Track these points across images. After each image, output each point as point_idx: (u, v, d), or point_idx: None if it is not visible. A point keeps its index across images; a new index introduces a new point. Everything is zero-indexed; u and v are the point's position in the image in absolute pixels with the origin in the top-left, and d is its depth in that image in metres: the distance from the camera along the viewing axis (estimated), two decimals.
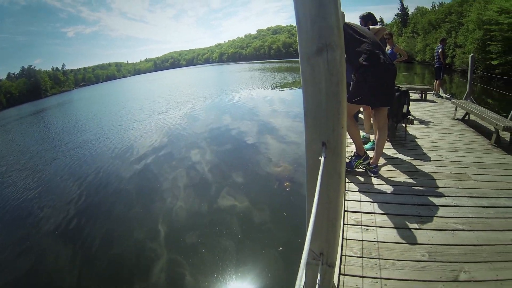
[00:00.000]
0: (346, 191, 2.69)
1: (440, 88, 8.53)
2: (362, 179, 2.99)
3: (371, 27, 3.42)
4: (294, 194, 4.51)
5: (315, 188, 0.75)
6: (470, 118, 5.24)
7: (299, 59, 0.72)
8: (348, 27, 2.83)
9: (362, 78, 2.74)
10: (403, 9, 50.97)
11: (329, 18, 0.64)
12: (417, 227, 2.14)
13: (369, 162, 3.09)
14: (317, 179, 0.73)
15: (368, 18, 3.75)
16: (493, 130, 4.11)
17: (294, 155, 6.27)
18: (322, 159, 0.71)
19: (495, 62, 14.85)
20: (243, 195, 4.72)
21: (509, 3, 14.12)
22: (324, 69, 0.68)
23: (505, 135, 4.04)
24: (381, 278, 1.70)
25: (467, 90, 6.36)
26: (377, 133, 3.15)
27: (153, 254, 3.61)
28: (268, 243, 3.48)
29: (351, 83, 4.07)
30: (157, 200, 5.05)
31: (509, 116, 4.47)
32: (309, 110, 0.73)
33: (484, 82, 12.95)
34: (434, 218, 2.27)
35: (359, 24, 3.29)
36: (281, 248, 3.34)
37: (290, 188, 4.65)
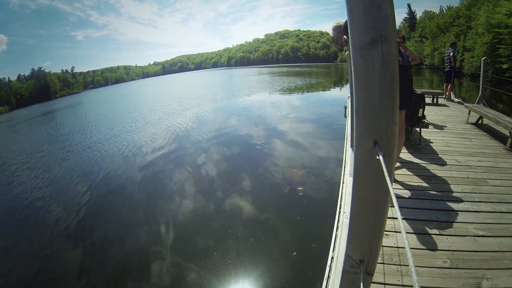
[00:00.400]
0: None
1: (451, 92, 8.45)
2: None
3: None
4: (306, 198, 4.47)
5: (362, 190, 0.74)
6: (484, 122, 5.17)
7: (349, 51, 0.70)
8: None
9: None
10: (411, 13, 50.85)
11: (384, 8, 0.61)
12: (437, 233, 2.11)
13: None
14: (365, 180, 0.72)
15: None
16: (508, 134, 4.06)
17: (305, 159, 6.25)
18: (373, 158, 0.69)
19: (504, 66, 14.68)
20: (254, 199, 4.69)
21: None
22: (379, 62, 0.64)
23: None
24: (403, 286, 1.67)
25: (480, 94, 6.27)
26: None
27: (161, 256, 3.59)
28: (281, 247, 3.45)
29: None
30: (167, 202, 5.04)
31: None
32: (360, 106, 0.69)
33: (493, 85, 12.78)
34: (454, 223, 2.24)
35: None
36: (295, 253, 3.30)
37: (303, 192, 4.60)
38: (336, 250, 1.92)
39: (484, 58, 6.63)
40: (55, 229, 4.65)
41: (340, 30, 3.15)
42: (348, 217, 2.21)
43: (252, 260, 3.30)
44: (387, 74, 0.66)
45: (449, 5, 35.58)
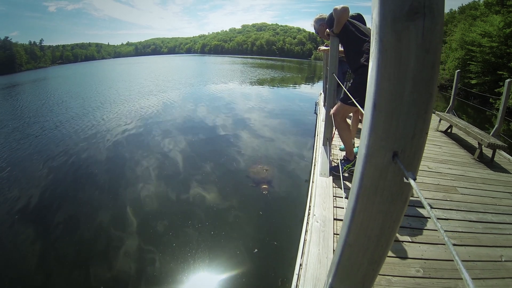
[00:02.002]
0: (334, 197, 2.54)
1: None
2: (350, 184, 2.85)
3: (368, 26, 3.29)
4: (271, 193, 4.34)
5: (367, 217, 0.54)
6: (453, 131, 5.29)
7: (374, 25, 0.47)
8: (350, 24, 2.67)
9: (361, 79, 2.59)
10: None
11: None
12: (410, 240, 2.02)
13: None
14: (372, 204, 0.52)
15: (357, 19, 3.60)
16: (476, 145, 4.14)
17: (271, 152, 6.13)
18: (388, 176, 0.50)
19: (473, 81, 15.43)
20: (217, 190, 4.52)
21: (492, 27, 14.69)
22: (417, 42, 0.45)
23: (487, 151, 4.08)
24: None
25: (450, 104, 6.44)
26: None
27: (121, 243, 3.40)
28: (243, 243, 3.31)
29: (347, 83, 3.96)
30: (130, 187, 4.76)
31: (492, 132, 4.50)
32: (382, 101, 0.49)
33: (461, 98, 13.43)
34: (426, 231, 2.17)
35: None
36: (256, 250, 3.17)
37: (268, 188, 4.44)
38: (305, 256, 1.76)
39: (458, 70, 6.81)
40: (10, 212, 4.24)
41: (323, 22, 3.00)
42: (318, 221, 2.07)
43: (212, 254, 3.15)
44: (427, 59, 0.45)
45: None
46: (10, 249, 3.47)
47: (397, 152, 0.49)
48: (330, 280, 0.67)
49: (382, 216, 0.54)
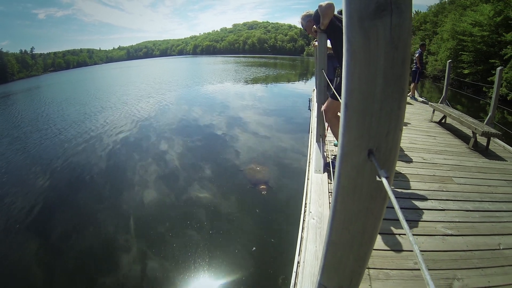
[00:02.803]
0: (330, 193, 2.54)
1: (415, 91, 8.74)
2: None
3: None
4: (268, 192, 4.34)
5: (347, 215, 0.53)
6: (447, 121, 5.30)
7: (343, 23, 0.47)
8: (337, 19, 2.66)
9: None
10: None
11: None
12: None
13: None
14: (352, 203, 0.52)
15: None
16: (471, 134, 4.16)
17: (267, 151, 6.12)
18: (364, 175, 0.49)
19: (466, 71, 15.46)
20: (214, 190, 4.54)
21: (483, 17, 14.72)
22: (385, 40, 0.44)
23: (482, 140, 4.09)
24: None
25: (443, 94, 6.47)
26: None
27: (122, 246, 3.43)
28: (241, 241, 3.33)
29: (337, 78, 3.95)
30: (128, 192, 4.76)
31: (485, 121, 4.53)
32: (353, 101, 0.48)
33: (454, 88, 13.47)
34: (422, 222, 2.17)
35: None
36: (254, 248, 3.18)
37: (265, 186, 4.44)
38: (302, 254, 1.75)
39: (449, 61, 6.84)
40: (11, 222, 4.24)
41: (310, 19, 3.00)
42: (314, 217, 2.07)
43: (211, 253, 3.18)
44: (396, 57, 0.45)
45: (417, 10, 37.00)
46: (13, 256, 3.48)
47: (372, 150, 0.48)
48: (319, 277, 0.67)
49: (363, 214, 0.54)
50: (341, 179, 0.52)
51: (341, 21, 2.62)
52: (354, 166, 0.50)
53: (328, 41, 2.98)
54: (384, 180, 0.44)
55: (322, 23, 2.61)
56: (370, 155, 0.48)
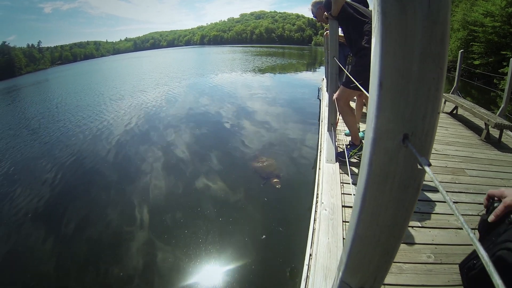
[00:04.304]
0: (342, 184, 2.50)
1: None
2: (357, 170, 2.81)
3: (370, 8, 3.19)
4: (277, 180, 4.30)
5: (376, 207, 0.49)
6: (458, 112, 5.20)
7: None
8: (349, 6, 2.59)
9: (362, 62, 2.52)
10: None
11: None
12: (420, 225, 1.98)
13: None
14: (383, 193, 0.48)
15: (359, 0, 3.50)
16: (483, 125, 4.07)
17: (277, 141, 6.06)
18: (398, 160, 0.46)
19: (476, 62, 15.12)
20: (223, 179, 4.53)
21: (494, 7, 14.32)
22: (423, 12, 0.39)
23: (494, 132, 4.00)
24: (386, 284, 1.52)
25: (455, 84, 6.32)
26: None
27: (133, 234, 3.45)
28: (250, 229, 3.35)
29: (348, 66, 3.88)
30: (138, 182, 4.78)
31: (498, 112, 4.42)
32: (388, 80, 0.43)
33: (465, 79, 13.22)
34: (436, 215, 2.12)
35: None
36: (264, 236, 3.19)
37: (275, 180, 4.36)
38: (314, 246, 1.72)
39: (461, 51, 6.67)
40: (20, 211, 4.32)
41: (321, 5, 2.92)
42: (326, 209, 2.04)
43: (221, 241, 3.19)
44: (436, 31, 0.40)
45: None
46: (24, 249, 3.52)
47: (408, 134, 0.44)
48: (340, 274, 0.63)
49: (394, 205, 0.50)
50: (372, 167, 0.47)
51: (352, 7, 2.57)
52: (387, 152, 0.46)
53: (339, 29, 2.91)
54: (428, 169, 0.40)
55: (334, 10, 2.54)
56: (405, 140, 0.44)
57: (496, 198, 0.94)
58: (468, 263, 1.05)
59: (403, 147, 0.44)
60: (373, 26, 0.44)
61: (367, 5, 3.37)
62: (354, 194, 1.73)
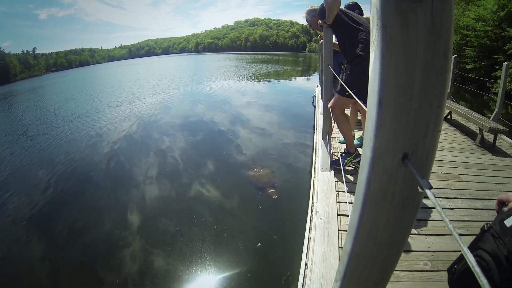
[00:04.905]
0: (337, 192, 2.49)
1: None
2: (352, 178, 2.80)
3: (365, 16, 3.22)
4: (274, 192, 4.26)
5: (374, 226, 0.48)
6: (452, 117, 5.24)
7: (375, 9, 0.40)
8: (343, 14, 2.60)
9: (357, 70, 2.53)
10: None
11: None
12: (416, 232, 1.97)
13: (359, 160, 2.91)
14: (381, 212, 0.47)
15: (354, 8, 3.52)
16: (477, 130, 4.10)
17: (272, 150, 6.04)
18: (397, 180, 0.44)
19: (469, 66, 15.29)
20: (218, 186, 4.52)
21: (486, 11, 14.53)
22: (426, 26, 0.38)
23: (488, 136, 4.03)
24: None
25: (448, 90, 6.39)
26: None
27: (128, 243, 3.41)
28: (245, 237, 3.34)
29: (342, 74, 3.89)
30: (132, 188, 4.76)
31: (492, 117, 4.46)
32: (389, 96, 0.42)
33: (458, 83, 13.36)
34: (432, 222, 2.12)
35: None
36: (259, 244, 3.17)
37: (271, 189, 4.32)
38: (310, 255, 1.71)
39: (454, 56, 6.75)
40: (16, 218, 4.27)
41: (315, 13, 2.94)
42: (321, 217, 2.02)
43: (216, 249, 3.17)
44: (438, 46, 0.39)
45: None
46: (18, 255, 3.48)
47: (407, 153, 0.43)
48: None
49: (392, 224, 0.49)
50: (370, 186, 0.46)
51: (347, 15, 2.58)
52: (386, 171, 0.45)
53: (334, 37, 2.92)
54: (429, 193, 0.39)
55: (328, 18, 2.55)
56: (404, 159, 0.42)
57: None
58: (452, 268, 1.09)
59: (403, 166, 0.43)
60: (372, 40, 0.42)
61: (361, 13, 3.40)
62: (349, 203, 1.72)
